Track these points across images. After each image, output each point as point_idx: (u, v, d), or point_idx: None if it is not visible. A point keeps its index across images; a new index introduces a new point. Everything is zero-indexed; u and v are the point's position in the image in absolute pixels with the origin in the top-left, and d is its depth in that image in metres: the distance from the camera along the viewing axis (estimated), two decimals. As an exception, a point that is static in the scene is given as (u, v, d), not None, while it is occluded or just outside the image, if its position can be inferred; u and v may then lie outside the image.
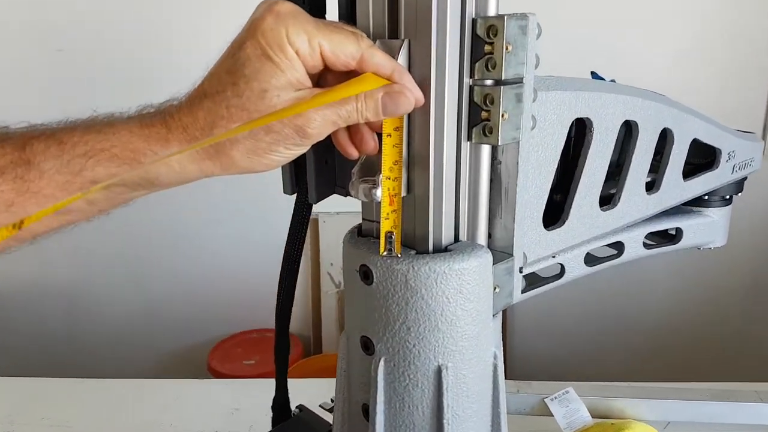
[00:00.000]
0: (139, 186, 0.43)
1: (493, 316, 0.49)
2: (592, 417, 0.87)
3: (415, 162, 0.45)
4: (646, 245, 0.68)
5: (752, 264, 2.05)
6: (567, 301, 2.07)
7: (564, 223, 0.55)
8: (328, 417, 0.68)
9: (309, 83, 0.40)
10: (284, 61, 0.39)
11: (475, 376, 0.48)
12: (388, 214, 0.45)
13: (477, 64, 0.43)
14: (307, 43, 0.39)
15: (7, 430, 0.98)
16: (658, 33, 1.87)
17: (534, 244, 0.52)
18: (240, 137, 0.40)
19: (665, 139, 0.63)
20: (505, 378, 0.52)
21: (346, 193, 0.50)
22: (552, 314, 2.09)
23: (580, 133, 0.54)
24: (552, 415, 0.87)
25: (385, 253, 0.45)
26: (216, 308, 2.14)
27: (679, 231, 0.73)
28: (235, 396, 1.07)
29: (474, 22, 0.42)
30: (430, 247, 0.46)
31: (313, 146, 0.50)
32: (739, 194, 0.77)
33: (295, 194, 0.56)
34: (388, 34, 0.43)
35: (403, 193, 0.45)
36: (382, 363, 0.48)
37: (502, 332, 0.56)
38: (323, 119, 0.40)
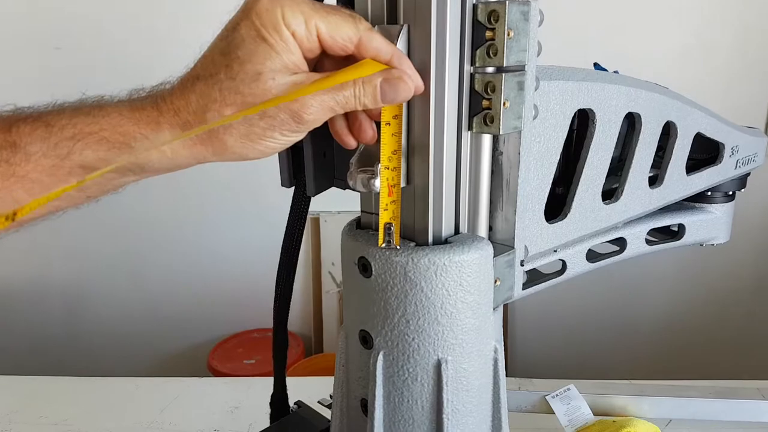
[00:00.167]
0: (130, 172, 0.42)
1: (494, 309, 0.49)
2: (594, 414, 0.87)
3: (415, 152, 0.44)
4: (648, 242, 0.67)
5: (755, 261, 2.04)
6: (569, 298, 2.06)
7: (566, 216, 0.54)
8: (327, 413, 0.68)
9: (305, 67, 0.39)
10: (279, 42, 0.37)
11: (475, 370, 0.48)
12: (386, 204, 0.44)
13: (478, 51, 0.42)
14: (304, 24, 0.38)
15: (5, 429, 0.98)
16: (661, 28, 1.86)
17: (535, 237, 0.52)
18: (234, 122, 0.39)
19: (668, 134, 0.62)
20: (507, 375, 0.52)
21: (345, 186, 0.49)
22: (554, 312, 2.09)
23: (582, 124, 0.53)
24: (553, 413, 0.87)
25: (384, 244, 0.44)
26: (217, 308, 2.14)
27: (681, 227, 0.72)
28: (235, 394, 1.06)
29: (475, 7, 0.41)
30: (430, 239, 0.46)
31: (311, 138, 0.50)
32: (742, 190, 0.76)
33: (293, 187, 0.55)
34: (387, 20, 0.42)
35: (403, 184, 0.45)
36: (380, 357, 0.47)
37: (504, 330, 0.56)
38: (320, 105, 0.39)
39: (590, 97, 0.51)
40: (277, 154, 0.53)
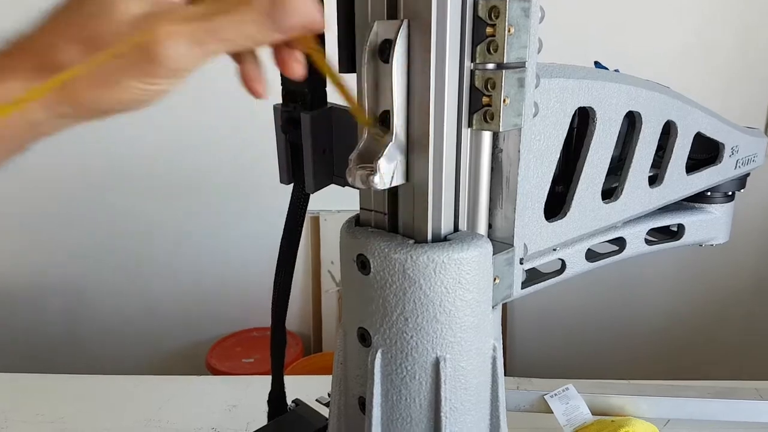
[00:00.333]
0: None
1: (493, 307, 0.48)
2: (592, 414, 0.87)
3: (414, 149, 0.44)
4: (647, 241, 0.67)
5: (755, 261, 2.04)
6: (568, 298, 2.06)
7: (565, 214, 0.54)
8: (325, 411, 0.68)
9: None
10: None
11: (473, 368, 0.47)
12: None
13: (478, 47, 0.42)
14: None
15: (1, 426, 0.97)
16: (662, 27, 1.86)
17: (535, 235, 0.51)
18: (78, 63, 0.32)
19: (668, 133, 0.62)
20: (506, 374, 0.51)
21: (344, 183, 0.49)
22: (553, 311, 2.09)
23: (582, 123, 0.53)
24: (552, 412, 0.87)
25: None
26: (215, 306, 2.14)
27: (681, 227, 0.72)
28: (234, 393, 1.06)
29: (475, 3, 0.41)
30: (429, 237, 0.45)
31: (310, 134, 0.50)
32: (742, 190, 0.76)
33: (292, 184, 0.55)
34: (387, 14, 0.42)
35: (402, 181, 0.44)
36: (379, 355, 0.47)
37: (503, 329, 0.56)
38: (186, 39, 0.31)
39: (590, 95, 0.51)
40: (276, 152, 0.54)
